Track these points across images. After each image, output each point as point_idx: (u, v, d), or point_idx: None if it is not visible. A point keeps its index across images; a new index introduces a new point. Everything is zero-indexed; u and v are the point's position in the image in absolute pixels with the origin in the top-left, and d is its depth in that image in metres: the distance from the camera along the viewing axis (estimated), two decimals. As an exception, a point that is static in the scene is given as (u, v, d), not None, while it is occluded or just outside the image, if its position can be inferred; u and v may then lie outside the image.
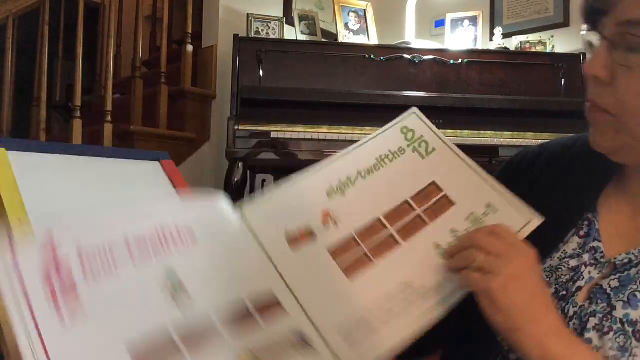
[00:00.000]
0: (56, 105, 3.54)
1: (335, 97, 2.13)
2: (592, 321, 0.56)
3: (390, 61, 2.31)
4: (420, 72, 2.30)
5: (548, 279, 0.62)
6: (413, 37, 2.51)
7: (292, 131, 2.04)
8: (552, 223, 0.61)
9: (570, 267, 0.61)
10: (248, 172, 2.18)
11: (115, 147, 2.11)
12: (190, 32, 2.66)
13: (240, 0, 2.69)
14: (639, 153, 0.56)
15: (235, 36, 2.26)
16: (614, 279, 0.57)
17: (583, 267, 0.60)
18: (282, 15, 2.69)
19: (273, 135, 2.03)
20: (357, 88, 2.23)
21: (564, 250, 0.62)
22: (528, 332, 0.50)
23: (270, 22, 2.55)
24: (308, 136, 2.04)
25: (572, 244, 0.62)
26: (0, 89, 2.55)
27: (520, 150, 0.74)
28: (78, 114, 2.29)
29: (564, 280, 0.60)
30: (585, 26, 0.58)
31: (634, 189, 0.61)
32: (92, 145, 2.17)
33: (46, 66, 2.42)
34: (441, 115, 2.13)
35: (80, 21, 2.41)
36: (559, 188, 0.66)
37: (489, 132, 2.10)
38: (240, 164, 2.03)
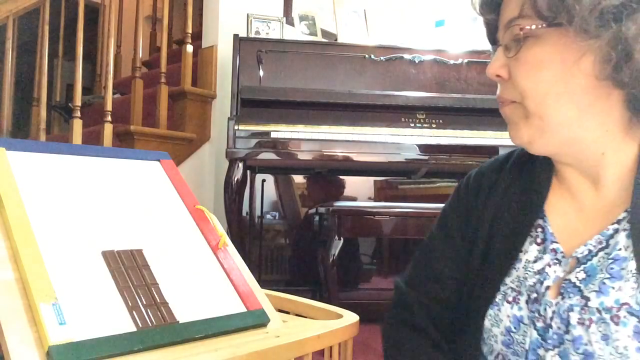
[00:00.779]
0: (56, 105, 3.54)
1: (335, 97, 2.13)
2: (573, 316, 0.58)
3: (390, 61, 2.31)
4: (420, 72, 2.30)
5: (518, 289, 0.65)
6: (413, 37, 2.51)
7: (292, 131, 2.04)
8: (507, 236, 0.68)
9: (535, 270, 0.64)
10: (248, 172, 2.19)
11: (115, 147, 2.11)
12: (190, 32, 2.66)
13: (240, 0, 2.69)
14: (551, 134, 0.60)
15: (235, 36, 2.26)
16: (579, 271, 0.60)
17: (547, 267, 0.63)
18: (282, 15, 2.69)
19: (273, 135, 2.03)
20: (357, 88, 2.23)
21: (526, 260, 0.66)
22: None
23: (270, 22, 2.55)
24: (308, 136, 2.04)
25: (532, 252, 0.66)
26: (0, 89, 2.55)
27: (465, 178, 0.79)
28: (78, 114, 2.29)
29: (532, 284, 0.64)
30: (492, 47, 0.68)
31: (572, 187, 0.66)
32: (92, 145, 2.17)
33: (46, 66, 2.42)
34: (441, 115, 2.14)
35: (80, 21, 2.41)
36: (506, 202, 0.70)
37: (489, 132, 2.10)
38: (240, 164, 2.03)
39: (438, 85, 2.28)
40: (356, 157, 2.04)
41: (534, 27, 0.57)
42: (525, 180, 0.70)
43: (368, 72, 2.28)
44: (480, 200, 0.73)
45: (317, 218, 2.20)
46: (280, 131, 2.04)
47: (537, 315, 0.62)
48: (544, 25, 0.57)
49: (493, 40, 0.67)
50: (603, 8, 0.53)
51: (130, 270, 0.68)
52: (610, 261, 0.58)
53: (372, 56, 2.30)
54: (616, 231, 0.59)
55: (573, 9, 0.53)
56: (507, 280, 0.67)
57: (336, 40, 2.57)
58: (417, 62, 2.31)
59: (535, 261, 0.65)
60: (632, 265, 0.56)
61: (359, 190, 2.55)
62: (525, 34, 0.58)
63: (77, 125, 2.27)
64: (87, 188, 0.75)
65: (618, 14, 0.53)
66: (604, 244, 0.60)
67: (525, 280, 0.65)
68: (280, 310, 0.86)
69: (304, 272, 2.40)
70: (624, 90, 0.57)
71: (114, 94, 2.57)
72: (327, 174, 2.43)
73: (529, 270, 0.65)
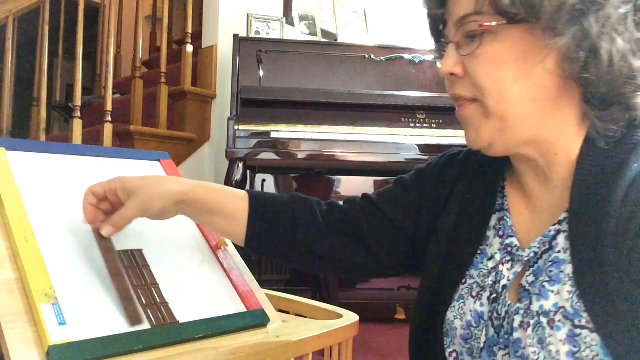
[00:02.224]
0: (56, 105, 3.54)
1: (335, 97, 2.13)
2: (517, 319, 0.58)
3: (390, 61, 2.31)
4: (420, 72, 2.30)
5: (482, 284, 0.65)
6: (413, 37, 2.51)
7: (292, 131, 2.04)
8: (471, 227, 0.68)
9: (490, 268, 0.65)
10: (248, 172, 2.18)
11: (115, 147, 2.11)
12: (190, 32, 2.66)
13: (240, 0, 2.69)
14: (512, 135, 0.59)
15: (235, 36, 2.26)
16: (529, 275, 0.60)
17: (500, 265, 0.64)
18: (282, 15, 2.69)
19: (273, 135, 2.03)
20: (357, 88, 2.23)
21: (490, 254, 0.66)
22: None
23: (270, 22, 2.55)
24: (308, 136, 2.04)
25: (495, 245, 0.66)
26: (0, 89, 2.55)
27: (436, 159, 0.80)
28: (78, 114, 2.29)
29: (491, 283, 0.64)
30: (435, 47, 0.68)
31: (525, 186, 0.65)
32: (92, 145, 2.17)
33: (46, 66, 2.42)
34: (441, 115, 2.14)
35: (80, 21, 2.41)
36: (472, 192, 0.71)
37: (489, 132, 2.10)
38: (240, 164, 2.03)
39: (438, 85, 2.28)
40: (356, 157, 2.04)
41: (494, 23, 0.55)
42: (485, 177, 0.70)
43: (368, 72, 2.28)
44: (439, 197, 0.74)
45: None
46: (280, 131, 2.03)
47: (495, 314, 0.61)
48: (504, 22, 0.55)
49: (438, 36, 0.66)
50: (570, 5, 0.52)
51: (130, 270, 0.68)
52: (550, 263, 0.57)
53: (372, 56, 2.30)
54: (557, 232, 0.58)
55: (540, 6, 0.52)
56: (474, 273, 0.66)
57: (336, 40, 2.57)
58: (417, 62, 2.31)
59: (490, 258, 0.66)
60: (569, 268, 0.55)
61: (359, 190, 2.54)
62: (483, 31, 0.56)
63: (77, 125, 2.27)
64: (87, 188, 0.75)
65: (585, 10, 0.52)
66: (546, 246, 0.59)
67: (488, 276, 0.65)
68: (280, 310, 0.86)
69: (304, 272, 2.40)
70: (585, 89, 0.56)
71: (114, 94, 2.57)
72: (327, 174, 2.43)
73: (484, 268, 0.66)
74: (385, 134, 2.07)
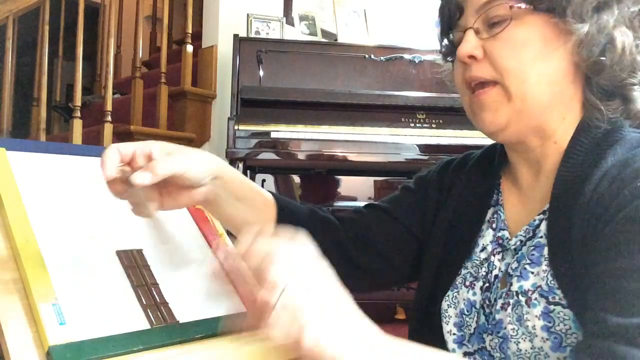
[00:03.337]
0: (56, 105, 3.54)
1: (335, 97, 2.13)
2: (499, 302, 0.62)
3: (390, 61, 2.31)
4: (420, 72, 2.30)
5: (475, 274, 0.68)
6: (413, 37, 2.51)
7: (292, 131, 2.04)
8: (467, 223, 0.71)
9: (482, 259, 0.69)
10: (248, 172, 2.18)
11: (115, 147, 2.10)
12: (190, 32, 2.66)
13: (240, 0, 2.69)
14: (525, 118, 0.61)
15: (235, 36, 2.26)
16: (513, 262, 0.64)
17: (492, 256, 0.67)
18: (282, 15, 2.69)
19: (273, 135, 2.03)
20: (357, 88, 2.23)
21: (483, 245, 0.69)
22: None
23: (270, 22, 2.55)
24: (308, 136, 2.04)
25: (488, 236, 0.69)
26: (1, 89, 2.55)
27: (436, 166, 0.83)
28: (78, 114, 2.29)
29: (484, 273, 0.67)
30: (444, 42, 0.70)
31: (518, 179, 0.69)
32: (92, 145, 2.17)
33: (46, 66, 2.42)
34: (441, 115, 2.14)
35: (80, 21, 2.41)
36: (465, 198, 0.74)
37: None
38: (240, 164, 2.03)
39: (438, 85, 2.28)
40: (356, 157, 2.04)
41: (523, 6, 0.58)
42: (483, 174, 0.74)
43: (368, 72, 2.28)
44: (441, 197, 0.77)
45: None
46: (280, 131, 2.03)
47: (487, 301, 0.65)
48: (531, 7, 0.58)
49: (450, 25, 0.67)
50: None
51: (130, 270, 0.68)
52: (532, 248, 0.61)
53: (372, 56, 2.29)
54: (541, 221, 0.62)
55: None
56: (468, 264, 0.70)
57: (336, 40, 2.57)
58: (417, 62, 2.31)
59: (482, 250, 0.69)
60: (546, 250, 0.59)
61: (359, 190, 2.54)
62: (508, 16, 0.59)
63: (77, 125, 2.27)
64: (87, 188, 0.75)
65: (609, 2, 0.58)
66: (530, 234, 0.63)
67: (481, 267, 0.68)
68: (280, 310, 0.86)
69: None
70: (593, 79, 0.60)
71: (114, 94, 2.57)
72: (327, 174, 2.43)
73: (477, 259, 0.69)
74: (385, 134, 2.07)
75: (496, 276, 0.65)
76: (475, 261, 0.69)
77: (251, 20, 2.51)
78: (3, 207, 0.65)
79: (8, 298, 0.57)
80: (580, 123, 0.62)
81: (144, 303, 0.65)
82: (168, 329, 0.63)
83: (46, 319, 0.56)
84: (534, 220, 0.63)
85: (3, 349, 0.53)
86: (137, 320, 0.63)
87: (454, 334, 0.68)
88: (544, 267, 0.59)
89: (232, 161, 2.03)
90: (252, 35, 2.47)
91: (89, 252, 0.68)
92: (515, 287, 0.61)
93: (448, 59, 0.71)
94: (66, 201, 0.72)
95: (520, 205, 0.68)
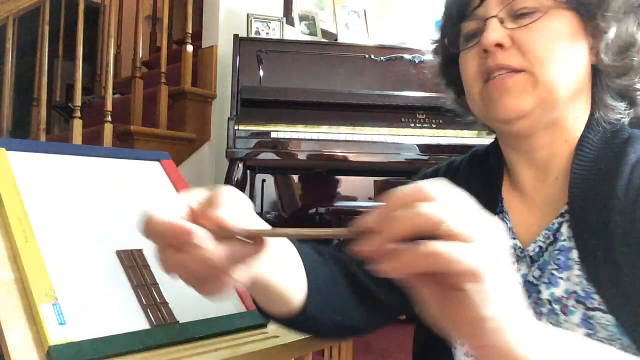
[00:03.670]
0: (56, 105, 3.54)
1: (335, 97, 2.13)
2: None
3: (390, 61, 2.31)
4: (420, 72, 2.30)
5: None
6: (413, 37, 2.51)
7: (292, 131, 2.04)
8: None
9: None
10: (248, 172, 2.18)
11: (115, 147, 2.11)
12: (190, 32, 2.66)
13: (240, 0, 2.68)
14: (547, 109, 0.60)
15: (235, 36, 2.26)
16: (534, 270, 0.61)
17: None
18: (282, 15, 2.69)
19: (273, 135, 2.03)
20: (357, 88, 2.23)
21: None
22: (521, 331, 0.36)
23: (270, 22, 2.55)
24: (308, 136, 2.04)
25: None
26: (1, 89, 2.55)
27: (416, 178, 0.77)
28: (78, 114, 2.29)
29: None
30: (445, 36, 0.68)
31: (521, 183, 0.66)
32: (92, 145, 2.17)
33: (46, 66, 2.42)
34: (441, 115, 2.13)
35: (80, 21, 2.41)
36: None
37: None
38: (240, 164, 2.03)
39: (438, 85, 2.28)
40: (356, 157, 2.04)
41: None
42: (481, 178, 0.71)
43: (368, 72, 2.28)
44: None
45: (317, 218, 2.20)
46: (280, 131, 2.03)
47: None
48: (563, 2, 0.59)
49: (463, 15, 0.65)
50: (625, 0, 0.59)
51: (130, 270, 0.68)
52: (557, 252, 0.59)
53: (372, 56, 2.30)
54: (560, 224, 0.60)
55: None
56: None
57: (336, 40, 2.57)
58: (417, 62, 2.31)
59: None
60: (575, 253, 0.57)
61: (359, 190, 2.54)
62: (535, 8, 0.59)
63: (77, 125, 2.27)
64: (87, 188, 0.75)
65: (634, 7, 0.59)
66: (551, 239, 0.61)
67: None
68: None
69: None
70: (608, 78, 0.61)
71: (114, 94, 2.57)
72: (327, 174, 2.43)
73: None
74: (385, 134, 2.07)
75: None
76: None
77: (251, 20, 2.51)
78: (3, 207, 0.65)
79: (8, 298, 0.57)
80: (589, 121, 0.62)
81: (144, 303, 0.65)
82: (168, 329, 0.63)
83: (46, 319, 0.56)
84: (553, 224, 0.61)
85: (3, 349, 0.53)
86: (137, 320, 0.63)
87: (472, 356, 0.61)
88: (576, 271, 0.56)
89: (232, 161, 2.03)
90: (252, 35, 2.47)
91: (89, 252, 0.68)
92: (545, 294, 0.58)
93: (454, 49, 0.68)
94: (66, 201, 0.72)
95: (527, 210, 0.66)
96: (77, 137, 2.26)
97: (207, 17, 2.75)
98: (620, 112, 0.61)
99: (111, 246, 0.69)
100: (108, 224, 0.72)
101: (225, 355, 0.62)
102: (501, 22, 0.60)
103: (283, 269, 0.53)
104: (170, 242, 0.38)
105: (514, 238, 0.64)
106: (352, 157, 2.04)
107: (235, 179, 2.02)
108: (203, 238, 0.37)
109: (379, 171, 2.48)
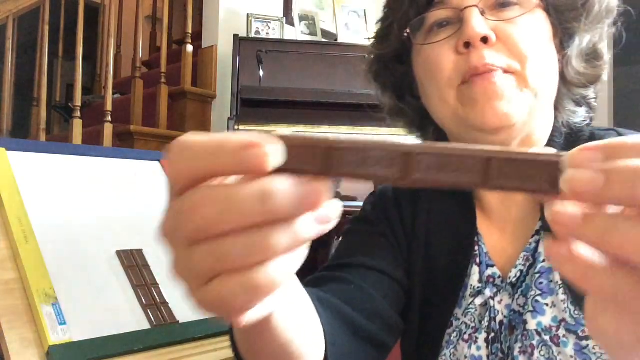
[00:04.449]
0: (56, 105, 3.54)
1: (335, 97, 2.13)
2: (517, 347, 0.53)
3: (390, 61, 2.31)
4: (420, 72, 2.30)
5: (473, 324, 0.57)
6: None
7: (292, 131, 2.04)
8: (449, 257, 0.59)
9: (478, 305, 0.57)
10: (248, 172, 2.18)
11: (115, 147, 2.11)
12: (190, 32, 2.66)
13: (240, 0, 2.69)
14: (534, 114, 0.54)
15: (235, 36, 2.26)
16: (518, 297, 0.55)
17: (491, 301, 0.56)
18: (282, 15, 2.69)
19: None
20: (357, 88, 2.23)
21: (472, 286, 0.58)
22: None
23: (270, 22, 2.55)
24: (308, 136, 2.04)
25: (475, 275, 0.58)
26: (1, 89, 2.55)
27: (366, 203, 0.69)
28: (78, 114, 2.29)
29: (487, 323, 0.56)
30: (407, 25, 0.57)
31: (490, 203, 0.60)
32: (92, 145, 2.17)
33: (46, 66, 2.42)
34: (441, 115, 2.14)
35: (80, 21, 2.41)
36: (437, 220, 0.62)
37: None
38: (240, 164, 2.03)
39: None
40: (356, 157, 2.05)
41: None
42: (450, 196, 0.62)
43: (368, 72, 2.29)
44: (405, 211, 0.64)
45: (317, 218, 2.19)
46: (280, 131, 2.04)
47: (500, 354, 0.55)
48: (543, 3, 0.55)
49: (435, 0, 0.55)
50: (600, 11, 0.56)
51: (130, 270, 0.68)
52: (538, 275, 0.53)
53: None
54: (537, 242, 0.55)
55: (592, 6, 0.55)
56: (458, 313, 0.58)
57: (336, 40, 2.57)
58: (417, 62, 2.31)
59: (474, 294, 0.57)
60: (557, 275, 0.52)
61: (359, 190, 2.54)
62: (515, 1, 0.53)
63: (77, 125, 2.27)
64: (87, 188, 0.75)
65: (604, 18, 0.56)
66: (530, 260, 0.55)
67: (477, 315, 0.57)
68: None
69: (304, 272, 2.40)
70: (573, 85, 0.57)
71: (114, 94, 2.57)
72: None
73: (472, 307, 0.57)
74: (385, 134, 2.07)
75: (501, 322, 0.55)
76: (470, 310, 0.57)
77: (251, 20, 2.51)
78: (3, 207, 0.65)
79: (8, 298, 0.57)
80: (553, 129, 0.59)
81: (144, 303, 0.65)
82: (168, 329, 0.63)
83: (46, 319, 0.56)
84: (530, 244, 0.55)
85: (3, 349, 0.53)
86: (137, 320, 0.63)
87: None
88: (561, 295, 0.51)
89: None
90: (252, 35, 2.47)
91: (89, 252, 0.68)
92: (532, 325, 0.52)
93: (416, 42, 0.58)
94: (66, 201, 0.72)
95: (498, 233, 0.59)
96: (77, 137, 2.26)
97: (207, 17, 2.75)
98: (582, 116, 0.59)
99: (111, 246, 0.69)
100: (108, 224, 0.72)
101: (225, 355, 0.62)
102: (482, 13, 0.52)
103: (302, 320, 0.42)
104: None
105: (492, 266, 0.57)
106: (352, 157, 2.04)
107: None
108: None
109: (379, 171, 2.48)
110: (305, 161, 0.24)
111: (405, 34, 0.58)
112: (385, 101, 0.70)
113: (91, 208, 0.73)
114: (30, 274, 0.59)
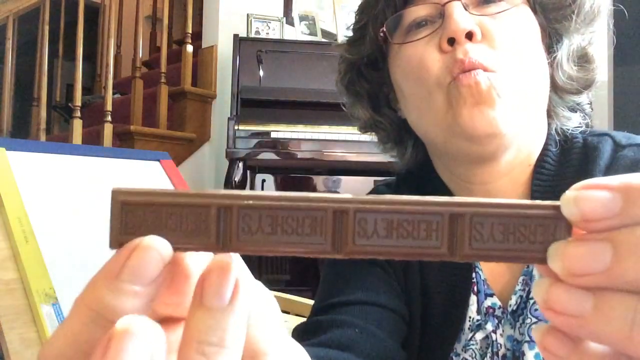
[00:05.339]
0: (56, 105, 3.54)
1: (335, 97, 2.12)
2: None
3: (390, 61, 2.31)
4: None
5: (475, 359, 0.54)
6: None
7: (292, 131, 2.04)
8: (446, 286, 0.55)
9: (479, 340, 0.54)
10: (248, 172, 2.18)
11: (115, 147, 2.11)
12: (190, 32, 2.66)
13: (240, 0, 2.69)
14: (522, 120, 0.50)
15: (235, 36, 2.26)
16: (520, 325, 0.52)
17: (492, 334, 0.53)
18: (282, 15, 2.69)
19: (273, 135, 2.03)
20: (357, 88, 2.23)
21: (471, 318, 0.54)
22: None
23: (270, 22, 2.55)
24: (308, 136, 2.04)
25: (473, 305, 0.55)
26: (1, 89, 2.55)
27: None
28: (78, 114, 2.29)
29: (489, 358, 0.53)
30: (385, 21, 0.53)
31: None
32: (92, 145, 2.18)
33: (46, 66, 2.42)
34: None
35: (80, 21, 2.41)
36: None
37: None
38: (240, 164, 2.03)
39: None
40: (356, 157, 2.04)
41: None
42: None
43: (368, 72, 2.29)
44: (396, 268, 0.59)
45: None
46: (280, 131, 2.04)
47: None
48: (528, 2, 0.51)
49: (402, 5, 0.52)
50: (589, 12, 0.53)
51: (130, 270, 0.68)
52: (532, 301, 0.49)
53: (372, 56, 2.30)
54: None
55: (581, 6, 0.52)
56: (458, 348, 0.55)
57: (336, 40, 2.57)
58: (417, 62, 2.31)
59: (474, 328, 0.54)
60: None
61: (359, 191, 2.54)
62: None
63: (77, 125, 2.27)
64: (87, 188, 0.75)
65: (593, 19, 0.53)
66: (530, 284, 0.51)
67: (478, 350, 0.54)
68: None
69: (304, 272, 2.40)
70: (565, 91, 0.54)
71: (114, 94, 2.57)
72: (327, 174, 2.43)
73: (473, 342, 0.54)
74: (385, 134, 2.07)
75: (504, 356, 0.52)
76: (471, 346, 0.54)
77: (251, 20, 2.51)
78: (3, 207, 0.65)
79: (8, 298, 0.57)
80: (547, 138, 0.55)
81: (144, 303, 0.65)
82: (168, 329, 0.63)
83: (46, 319, 0.56)
84: (527, 267, 0.51)
85: (3, 349, 0.53)
86: (137, 320, 0.63)
87: None
88: None
89: (232, 161, 2.03)
90: (252, 35, 2.47)
91: (89, 252, 0.68)
92: (529, 356, 0.48)
93: (394, 41, 0.53)
94: (66, 201, 0.72)
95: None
96: (77, 137, 2.26)
97: (207, 17, 2.76)
98: (577, 122, 0.56)
99: (111, 246, 0.69)
100: (108, 224, 0.72)
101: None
102: (465, 7, 0.48)
103: None
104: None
105: (491, 295, 0.54)
106: (352, 157, 2.04)
107: (235, 179, 2.03)
108: None
109: (379, 171, 2.48)
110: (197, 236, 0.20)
111: (382, 34, 0.54)
112: (360, 114, 0.65)
113: (91, 208, 0.73)
114: (30, 274, 0.59)
